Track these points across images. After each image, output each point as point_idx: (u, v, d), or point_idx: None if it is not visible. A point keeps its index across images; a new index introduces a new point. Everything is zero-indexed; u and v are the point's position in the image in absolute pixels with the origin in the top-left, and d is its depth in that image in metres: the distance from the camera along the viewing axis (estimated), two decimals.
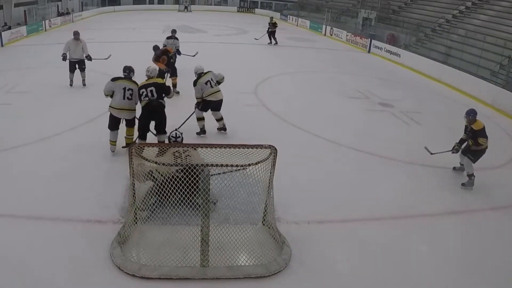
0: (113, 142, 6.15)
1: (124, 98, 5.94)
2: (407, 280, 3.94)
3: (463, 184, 5.72)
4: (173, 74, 9.25)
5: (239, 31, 22.99)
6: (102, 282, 3.67)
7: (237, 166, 4.11)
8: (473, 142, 5.64)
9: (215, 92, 6.71)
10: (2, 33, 16.01)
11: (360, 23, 23.38)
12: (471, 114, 5.73)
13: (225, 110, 6.93)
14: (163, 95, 5.99)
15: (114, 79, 6.09)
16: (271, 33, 18.09)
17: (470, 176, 5.69)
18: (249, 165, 3.92)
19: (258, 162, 3.89)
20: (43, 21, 21.00)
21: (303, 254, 4.13)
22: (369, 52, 18.04)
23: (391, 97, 10.30)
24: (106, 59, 9.76)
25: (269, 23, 18.26)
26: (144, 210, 4.34)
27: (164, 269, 3.75)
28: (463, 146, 5.82)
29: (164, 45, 9.78)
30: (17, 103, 8.38)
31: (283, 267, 3.91)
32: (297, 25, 28.06)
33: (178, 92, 9.05)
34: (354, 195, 5.35)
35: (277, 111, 8.47)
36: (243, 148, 3.88)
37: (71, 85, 9.60)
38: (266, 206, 4.30)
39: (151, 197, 4.35)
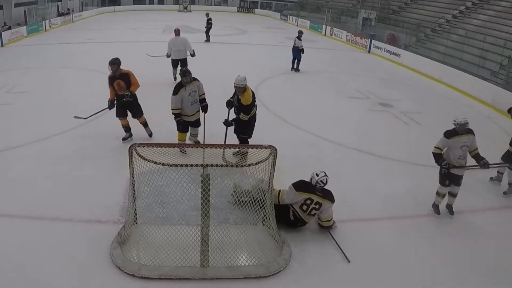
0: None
1: None
2: (407, 280, 3.95)
3: (504, 193, 5.68)
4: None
5: (238, 31, 23.00)
6: (102, 282, 3.67)
7: (237, 166, 4.12)
8: None
9: None
10: (2, 33, 16.04)
11: (360, 23, 23.40)
12: None
13: (226, 111, 6.91)
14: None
15: None
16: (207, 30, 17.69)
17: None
18: (249, 165, 3.93)
19: (258, 162, 3.89)
20: (43, 21, 21.04)
21: (303, 254, 4.14)
22: (369, 52, 18.04)
23: (391, 97, 10.30)
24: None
25: (207, 20, 17.68)
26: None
27: (164, 269, 3.75)
28: None
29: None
30: (17, 103, 8.38)
31: (283, 267, 3.91)
32: (297, 25, 28.03)
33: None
34: (354, 195, 5.35)
35: (277, 111, 8.46)
36: (243, 148, 3.88)
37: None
38: (266, 206, 4.30)
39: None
